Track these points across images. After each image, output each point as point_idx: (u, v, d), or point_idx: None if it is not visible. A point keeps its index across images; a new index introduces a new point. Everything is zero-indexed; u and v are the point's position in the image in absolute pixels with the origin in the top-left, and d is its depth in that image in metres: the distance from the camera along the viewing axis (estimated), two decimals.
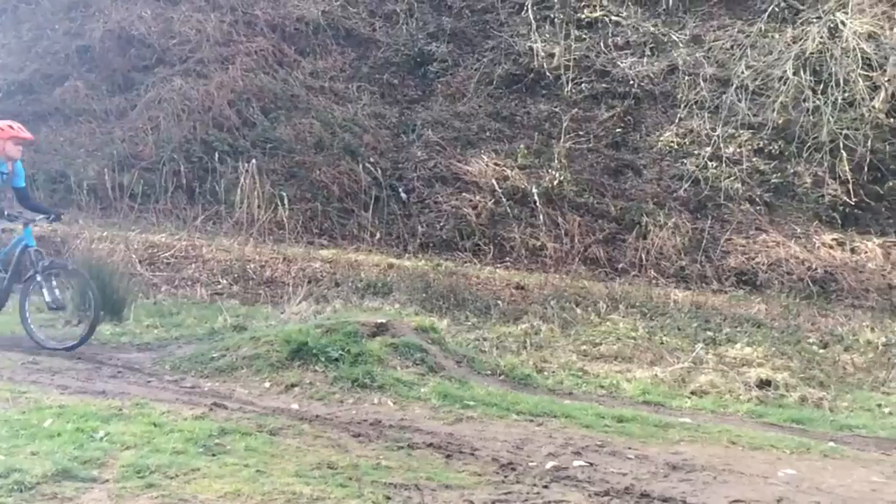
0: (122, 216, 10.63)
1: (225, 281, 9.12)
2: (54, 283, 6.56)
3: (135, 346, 6.65)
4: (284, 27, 13.60)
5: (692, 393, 6.04)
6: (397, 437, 4.49)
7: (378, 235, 10.81)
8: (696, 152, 12.19)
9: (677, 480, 3.95)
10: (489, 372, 6.14)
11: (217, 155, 11.24)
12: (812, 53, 12.33)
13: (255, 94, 12.50)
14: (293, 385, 5.35)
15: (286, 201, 10.67)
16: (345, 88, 12.86)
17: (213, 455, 3.89)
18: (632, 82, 12.81)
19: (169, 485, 3.45)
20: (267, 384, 5.39)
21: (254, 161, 10.83)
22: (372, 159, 11.59)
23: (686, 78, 12.93)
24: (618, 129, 12.48)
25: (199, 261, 9.46)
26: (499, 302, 8.46)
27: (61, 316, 6.93)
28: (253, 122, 12.09)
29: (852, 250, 11.47)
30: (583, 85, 12.87)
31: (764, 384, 6.18)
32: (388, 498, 3.53)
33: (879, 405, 6.02)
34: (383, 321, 6.15)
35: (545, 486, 3.80)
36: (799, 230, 11.64)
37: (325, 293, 8.46)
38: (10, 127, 6.75)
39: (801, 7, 13.22)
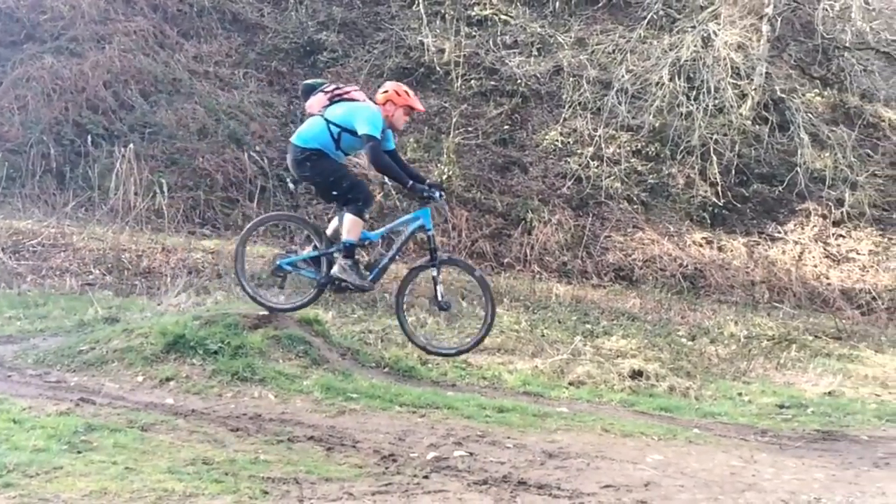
0: None
1: (97, 271, 8.65)
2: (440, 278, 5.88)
3: None
4: (167, 7, 13.03)
5: (570, 383, 6.24)
6: (277, 430, 4.41)
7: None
8: (578, 151, 12.60)
9: (553, 468, 4.09)
10: (373, 364, 6.13)
11: (91, 138, 10.62)
12: (686, 61, 12.99)
13: (133, 75, 11.90)
14: (168, 379, 5.14)
15: (166, 189, 10.22)
16: (231, 74, 12.47)
17: (79, 452, 3.69)
18: (519, 81, 13.09)
19: (28, 484, 3.25)
20: (140, 378, 5.16)
21: (131, 146, 10.30)
22: (259, 148, 11.30)
23: (570, 79, 13.35)
24: (505, 127, 12.74)
25: (69, 249, 8.92)
26: (385, 295, 8.45)
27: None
28: (131, 106, 11.53)
29: (720, 248, 12.19)
30: (472, 81, 13.04)
31: (636, 374, 6.47)
32: (266, 492, 3.46)
33: (740, 394, 6.43)
34: (265, 313, 6.01)
35: (425, 477, 3.84)
36: (672, 229, 12.25)
37: (206, 285, 8.17)
38: (407, 94, 5.83)
39: (678, 16, 13.90)
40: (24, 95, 11.37)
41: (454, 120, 12.14)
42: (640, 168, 12.82)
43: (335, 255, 5.77)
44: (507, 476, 3.89)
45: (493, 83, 13.14)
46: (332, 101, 5.76)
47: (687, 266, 11.73)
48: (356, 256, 5.76)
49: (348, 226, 5.61)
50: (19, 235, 8.89)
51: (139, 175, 10.17)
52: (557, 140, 12.75)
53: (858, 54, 14.41)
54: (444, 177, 11.36)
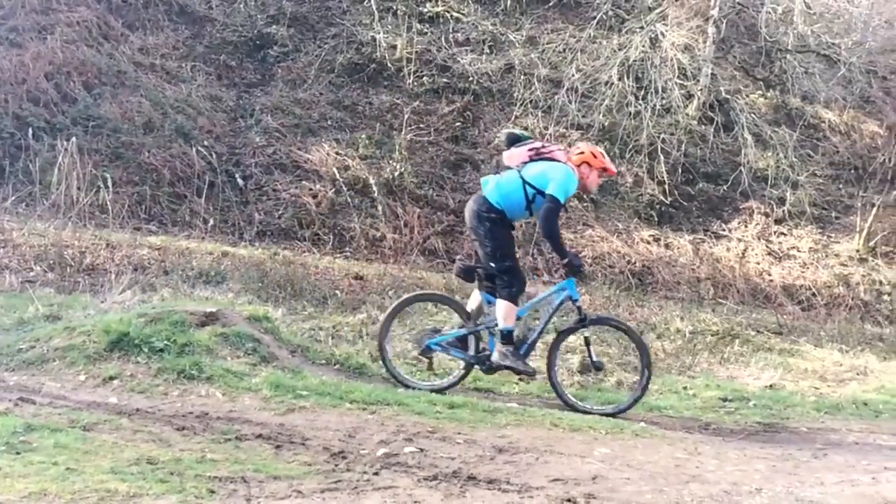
0: None
1: (38, 268, 8.39)
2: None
3: None
4: None
5: (520, 379, 6.29)
6: (225, 429, 4.34)
7: (212, 222, 10.37)
8: None
9: (502, 462, 4.12)
10: (324, 362, 6.09)
11: (32, 131, 10.31)
12: (635, 61, 13.20)
13: (76, 67, 11.57)
14: (112, 378, 5.02)
15: (110, 184, 9.98)
16: (178, 67, 12.23)
17: (18, 453, 3.58)
18: (471, 79, 13.13)
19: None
20: (82, 377, 5.03)
21: (74, 140, 10.02)
22: (207, 143, 11.10)
23: (522, 77, 13.44)
24: (457, 124, 12.75)
25: (8, 246, 8.64)
26: (337, 292, 8.40)
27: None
28: (74, 98, 11.21)
29: (667, 246, 12.43)
30: (424, 78, 13.02)
31: (585, 369, 6.56)
32: (213, 491, 3.41)
33: (685, 388, 6.57)
34: (213, 310, 5.92)
35: (375, 473, 3.83)
36: (621, 226, 12.44)
37: (152, 282, 8.00)
38: (603, 156, 5.88)
39: (627, 17, 14.12)
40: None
41: (406, 117, 12.13)
42: None
43: (482, 332, 5.76)
44: (457, 471, 3.91)
45: (445, 80, 13.15)
46: (532, 159, 5.62)
47: (635, 263, 11.92)
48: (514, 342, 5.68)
49: (504, 312, 5.55)
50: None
51: (82, 169, 9.89)
52: None
53: (800, 57, 14.84)
54: (397, 173, 11.35)
